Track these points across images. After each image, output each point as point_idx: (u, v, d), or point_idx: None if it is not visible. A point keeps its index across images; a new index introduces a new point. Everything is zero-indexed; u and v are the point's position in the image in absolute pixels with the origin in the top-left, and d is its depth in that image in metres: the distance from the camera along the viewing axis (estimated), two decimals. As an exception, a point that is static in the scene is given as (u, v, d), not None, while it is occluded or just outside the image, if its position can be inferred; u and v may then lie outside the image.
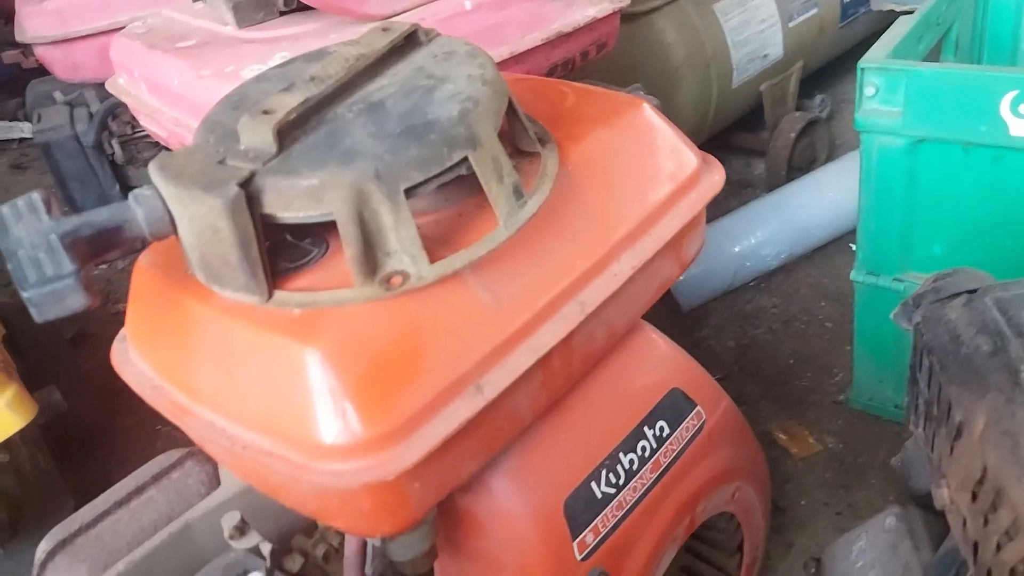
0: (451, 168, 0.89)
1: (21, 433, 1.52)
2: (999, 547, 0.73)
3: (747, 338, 2.30)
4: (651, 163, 1.12)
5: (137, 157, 2.20)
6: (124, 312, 1.06)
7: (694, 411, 1.25)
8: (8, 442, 1.51)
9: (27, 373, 1.61)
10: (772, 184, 2.68)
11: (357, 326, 0.88)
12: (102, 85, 2.11)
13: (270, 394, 0.88)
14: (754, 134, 2.85)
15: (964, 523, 0.79)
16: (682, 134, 1.17)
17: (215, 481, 1.16)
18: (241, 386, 0.91)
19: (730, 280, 2.31)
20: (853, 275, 1.78)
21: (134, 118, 2.21)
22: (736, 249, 2.29)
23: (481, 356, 0.92)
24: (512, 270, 0.97)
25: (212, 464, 1.18)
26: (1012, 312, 0.83)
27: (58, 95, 2.32)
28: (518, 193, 0.95)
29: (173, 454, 1.18)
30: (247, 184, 0.86)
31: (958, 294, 0.91)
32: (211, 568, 1.07)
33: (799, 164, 2.74)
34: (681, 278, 2.27)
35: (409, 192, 0.87)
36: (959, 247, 1.63)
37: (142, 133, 2.20)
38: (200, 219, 0.87)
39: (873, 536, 1.05)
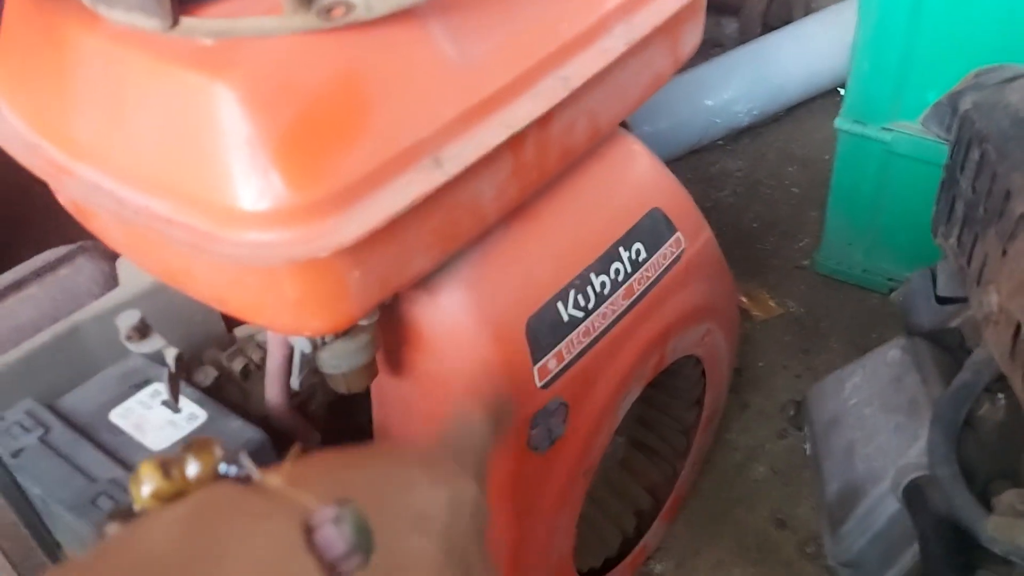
0: None
1: None
2: (1066, 355, 0.61)
3: (710, 201, 2.17)
4: (654, -77, 0.93)
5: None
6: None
7: (674, 237, 1.10)
8: None
9: None
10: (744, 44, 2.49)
11: (285, 62, 0.69)
12: None
13: (170, 145, 0.70)
14: (728, -10, 2.64)
15: (1017, 332, 0.66)
16: None
17: (112, 281, 0.98)
18: (134, 136, 0.71)
19: (699, 136, 2.15)
20: (838, 122, 1.64)
21: None
22: (708, 102, 2.12)
23: (443, 122, 0.74)
24: (484, 22, 0.78)
25: (109, 261, 0.99)
26: (1093, 89, 0.69)
27: None
28: (498, -82, 0.75)
29: (60, 249, 0.99)
30: None
31: (1017, 77, 0.76)
32: (105, 376, 0.90)
33: (774, 23, 2.55)
34: (648, 130, 2.10)
35: None
36: (959, 92, 1.49)
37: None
38: (79, -97, 0.66)
39: (871, 371, 0.94)
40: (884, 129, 1.60)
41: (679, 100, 2.13)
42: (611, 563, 1.30)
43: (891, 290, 1.79)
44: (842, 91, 1.67)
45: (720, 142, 2.28)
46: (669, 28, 0.95)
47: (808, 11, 2.71)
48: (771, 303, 1.86)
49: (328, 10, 0.70)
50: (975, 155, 0.75)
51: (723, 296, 1.23)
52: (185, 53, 0.69)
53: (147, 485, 0.39)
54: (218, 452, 0.41)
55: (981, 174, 0.74)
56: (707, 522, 1.45)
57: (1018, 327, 0.67)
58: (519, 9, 0.81)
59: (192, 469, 0.40)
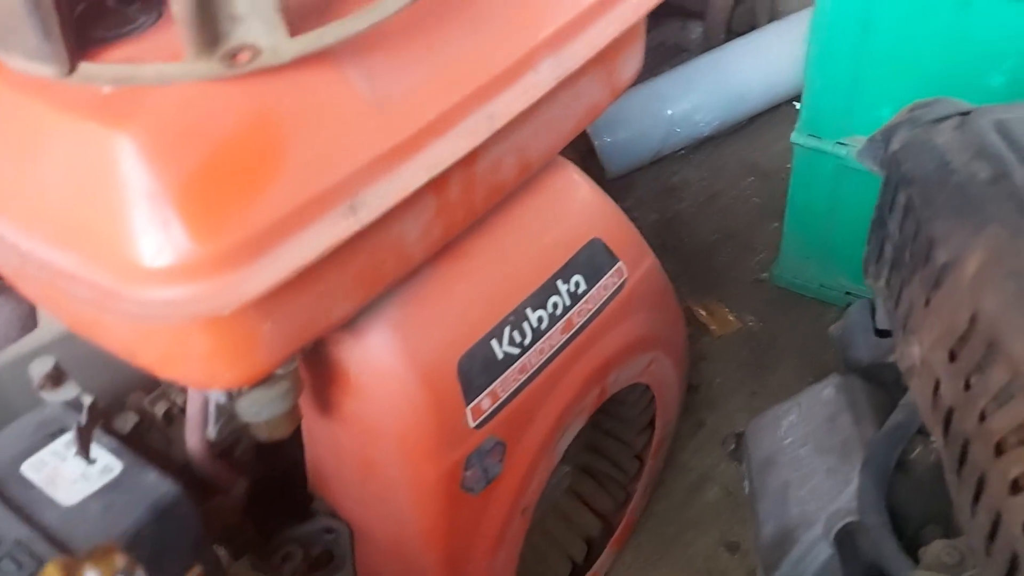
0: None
1: None
2: (984, 415, 0.60)
3: (671, 211, 2.15)
4: (585, -47, 0.91)
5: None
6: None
7: (615, 267, 1.09)
8: None
9: None
10: (709, 49, 2.48)
11: (187, 109, 0.66)
12: None
13: (71, 197, 0.67)
14: (692, -6, 2.62)
15: (936, 387, 0.65)
16: (625, -75, 0.95)
17: (31, 323, 0.94)
18: (35, 186, 0.69)
19: (659, 146, 2.14)
20: (794, 137, 1.63)
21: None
22: (668, 112, 2.10)
23: (357, 166, 0.72)
24: (402, 61, 0.76)
25: (28, 302, 0.95)
26: (1016, 134, 0.68)
27: None
28: (414, -44, 0.73)
29: (-24, 289, 0.95)
30: (30, -102, 0.62)
31: (947, 117, 0.74)
32: (21, 424, 0.87)
33: (739, 29, 2.54)
34: (608, 140, 2.09)
35: (263, -69, 0.64)
36: (910, 109, 1.48)
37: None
38: (-34, -53, 0.63)
39: (807, 409, 0.93)
40: (838, 143, 1.60)
41: (640, 110, 2.11)
42: (560, 592, 1.28)
43: (848, 304, 1.78)
44: (797, 104, 1.66)
45: (681, 151, 2.26)
46: (604, 58, 0.93)
47: (773, 17, 2.70)
48: (730, 317, 1.86)
49: (232, 55, 0.67)
50: (902, 198, 0.74)
51: (669, 324, 1.22)
52: (84, 101, 0.66)
53: None
54: (117, 563, 0.43)
55: (908, 217, 0.73)
56: (658, 546, 1.43)
57: (938, 381, 0.66)
58: (441, 46, 0.79)
59: None
